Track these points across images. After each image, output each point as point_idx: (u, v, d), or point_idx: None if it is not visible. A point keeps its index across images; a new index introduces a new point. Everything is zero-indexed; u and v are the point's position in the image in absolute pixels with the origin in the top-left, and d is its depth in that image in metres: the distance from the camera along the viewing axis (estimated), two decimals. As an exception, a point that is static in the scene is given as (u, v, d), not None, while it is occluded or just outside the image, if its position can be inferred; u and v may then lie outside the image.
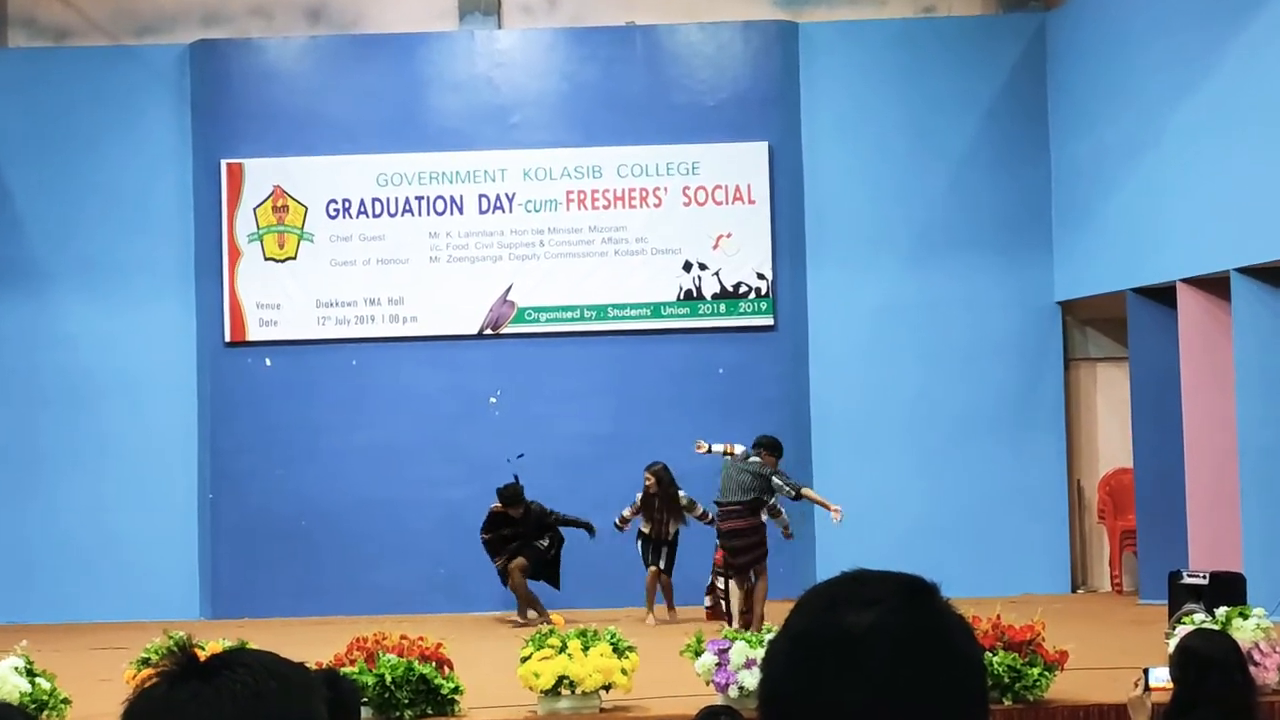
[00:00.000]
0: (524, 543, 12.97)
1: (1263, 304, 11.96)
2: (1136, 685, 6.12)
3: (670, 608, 12.86)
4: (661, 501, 12.83)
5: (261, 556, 14.37)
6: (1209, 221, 12.33)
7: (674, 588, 12.93)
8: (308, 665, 1.79)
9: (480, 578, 14.34)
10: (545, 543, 13.05)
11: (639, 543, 13.01)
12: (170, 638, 8.77)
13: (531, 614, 12.86)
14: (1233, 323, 12.18)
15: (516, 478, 13.05)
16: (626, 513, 12.97)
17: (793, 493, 11.60)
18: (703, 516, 12.82)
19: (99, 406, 14.70)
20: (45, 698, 7.86)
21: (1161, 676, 7.46)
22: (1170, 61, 12.80)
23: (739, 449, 11.78)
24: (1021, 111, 14.83)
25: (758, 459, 11.73)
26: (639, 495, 12.90)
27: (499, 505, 12.92)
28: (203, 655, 1.75)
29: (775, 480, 11.58)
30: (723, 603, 11.95)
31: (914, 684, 1.54)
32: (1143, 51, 13.24)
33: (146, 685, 1.72)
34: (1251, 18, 11.75)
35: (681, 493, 12.87)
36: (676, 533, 12.96)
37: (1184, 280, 12.77)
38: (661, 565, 12.91)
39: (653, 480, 12.83)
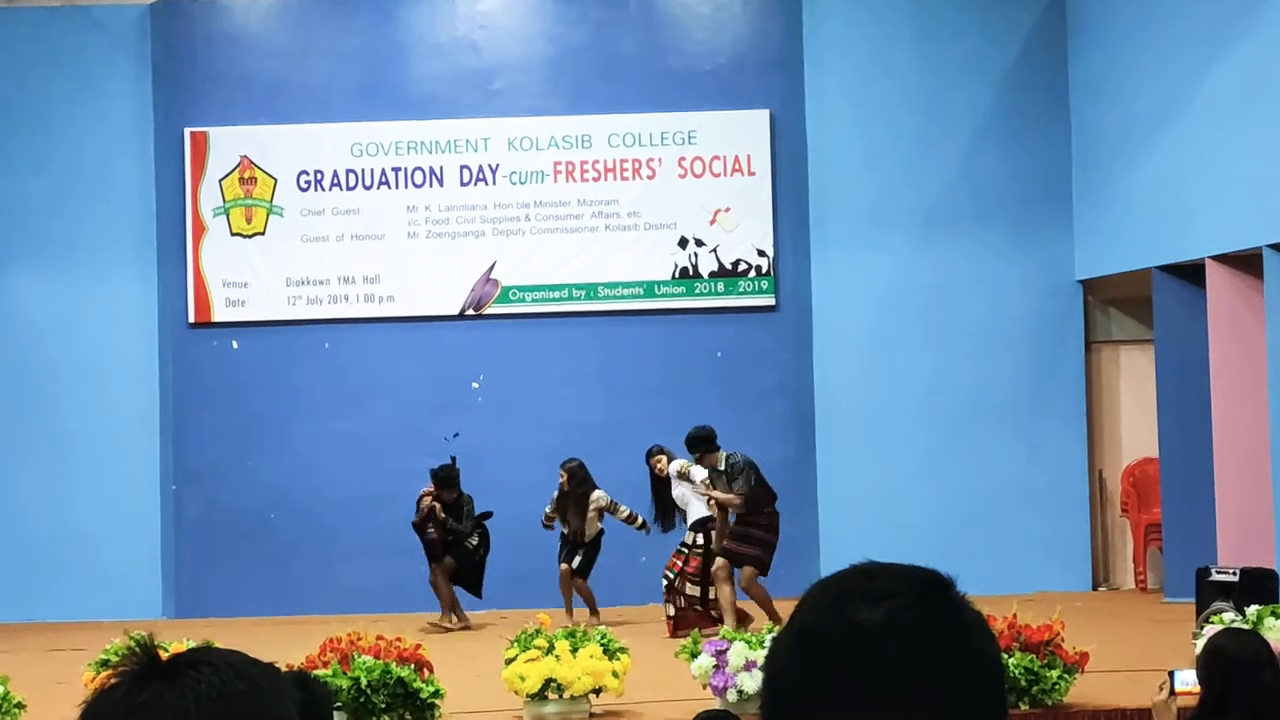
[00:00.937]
0: (455, 543, 12.89)
1: (1297, 283, 11.97)
2: (1161, 689, 6.14)
3: (592, 612, 12.57)
4: (570, 501, 12.67)
5: (228, 552, 14.36)
6: (1240, 195, 12.33)
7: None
8: (277, 665, 1.78)
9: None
10: (474, 542, 12.95)
11: (561, 541, 12.88)
12: (131, 638, 8.77)
13: (453, 618, 12.80)
14: (1265, 302, 12.19)
15: (454, 459, 12.95)
16: (548, 509, 12.83)
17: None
18: (630, 519, 12.69)
19: (54, 392, 14.68)
20: (-2, 702, 7.85)
21: (1188, 679, 7.47)
22: (1199, 26, 12.80)
23: (677, 467, 11.83)
24: (1039, 79, 14.81)
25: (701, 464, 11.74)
26: (555, 493, 12.79)
27: (430, 489, 12.84)
28: (165, 655, 1.74)
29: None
30: (678, 602, 11.82)
31: (928, 685, 1.53)
32: (1169, 15, 13.23)
33: (105, 686, 1.72)
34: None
35: (600, 493, 12.68)
36: (598, 534, 12.74)
37: (1213, 257, 12.78)
38: (574, 565, 12.68)
39: (565, 477, 12.68)
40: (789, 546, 14.53)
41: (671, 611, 11.82)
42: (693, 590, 11.78)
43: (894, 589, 1.59)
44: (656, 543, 12.62)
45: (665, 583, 11.94)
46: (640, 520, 12.64)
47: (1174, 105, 13.14)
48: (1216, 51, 12.57)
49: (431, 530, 12.78)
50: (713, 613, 11.72)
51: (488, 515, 13.04)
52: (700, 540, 11.84)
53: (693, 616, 11.66)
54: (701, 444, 11.75)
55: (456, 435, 13.83)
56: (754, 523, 11.66)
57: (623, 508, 12.69)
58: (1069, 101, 14.75)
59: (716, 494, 11.59)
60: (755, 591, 11.57)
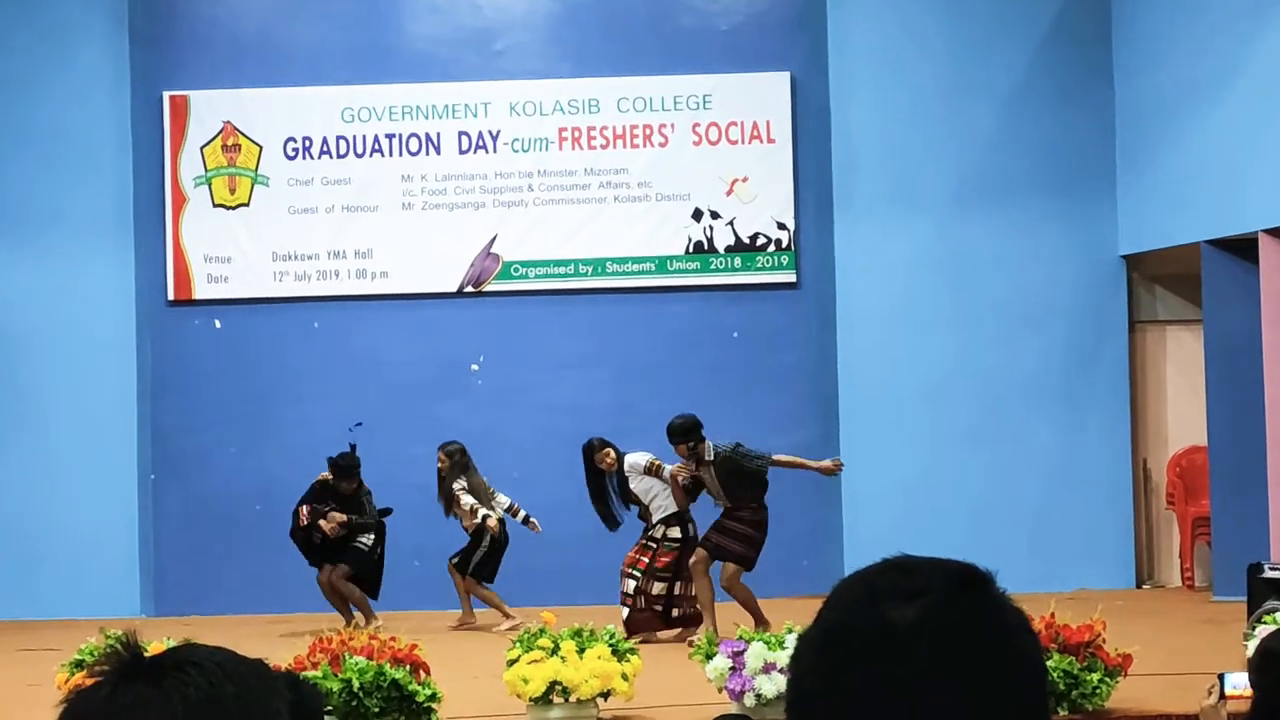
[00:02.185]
0: (344, 540, 12.68)
1: (1357, 259, 11.97)
2: (1210, 693, 6.14)
3: (468, 611, 12.59)
4: (443, 488, 12.65)
5: (211, 546, 14.39)
6: (1296, 164, 12.33)
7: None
8: (266, 663, 1.79)
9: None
10: (370, 541, 12.79)
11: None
12: (108, 637, 8.82)
13: (358, 616, 12.52)
14: (1322, 280, 12.19)
15: (354, 447, 12.82)
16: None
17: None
18: (512, 512, 12.63)
19: (23, 376, 14.70)
20: (-35, 705, 7.88)
21: (1239, 683, 7.47)
22: (1253, -19, 12.78)
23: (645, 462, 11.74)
24: (1080, 41, 14.77)
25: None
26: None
27: (327, 476, 12.71)
28: (149, 654, 1.74)
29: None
30: (637, 603, 11.54)
31: (965, 687, 1.53)
32: (1221, -31, 13.22)
33: (86, 687, 1.73)
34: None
35: (471, 483, 12.60)
36: (479, 527, 12.55)
37: (1267, 231, 12.76)
38: (455, 560, 12.66)
39: (442, 461, 12.64)
40: (810, 538, 14.58)
41: (625, 614, 11.34)
42: (659, 588, 11.55)
43: (927, 585, 1.58)
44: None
45: (632, 581, 11.59)
46: (524, 514, 12.66)
47: (1226, 70, 13.12)
48: (1272, 13, 12.54)
49: (323, 531, 12.54)
50: (674, 612, 11.57)
51: (387, 512, 12.90)
52: (676, 534, 11.63)
53: (646, 618, 11.58)
54: (686, 434, 11.51)
55: (359, 424, 13.76)
56: (739, 516, 11.54)
57: (501, 497, 12.68)
58: (1112, 65, 14.72)
59: (678, 472, 11.54)
60: (738, 591, 11.43)
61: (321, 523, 12.43)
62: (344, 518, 12.49)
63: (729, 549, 11.43)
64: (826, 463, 11.83)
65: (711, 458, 11.50)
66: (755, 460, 11.52)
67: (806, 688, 1.59)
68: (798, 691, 1.61)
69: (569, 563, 13.54)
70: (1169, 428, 15.10)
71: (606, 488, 11.83)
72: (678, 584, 11.51)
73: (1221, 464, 13.52)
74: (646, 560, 11.53)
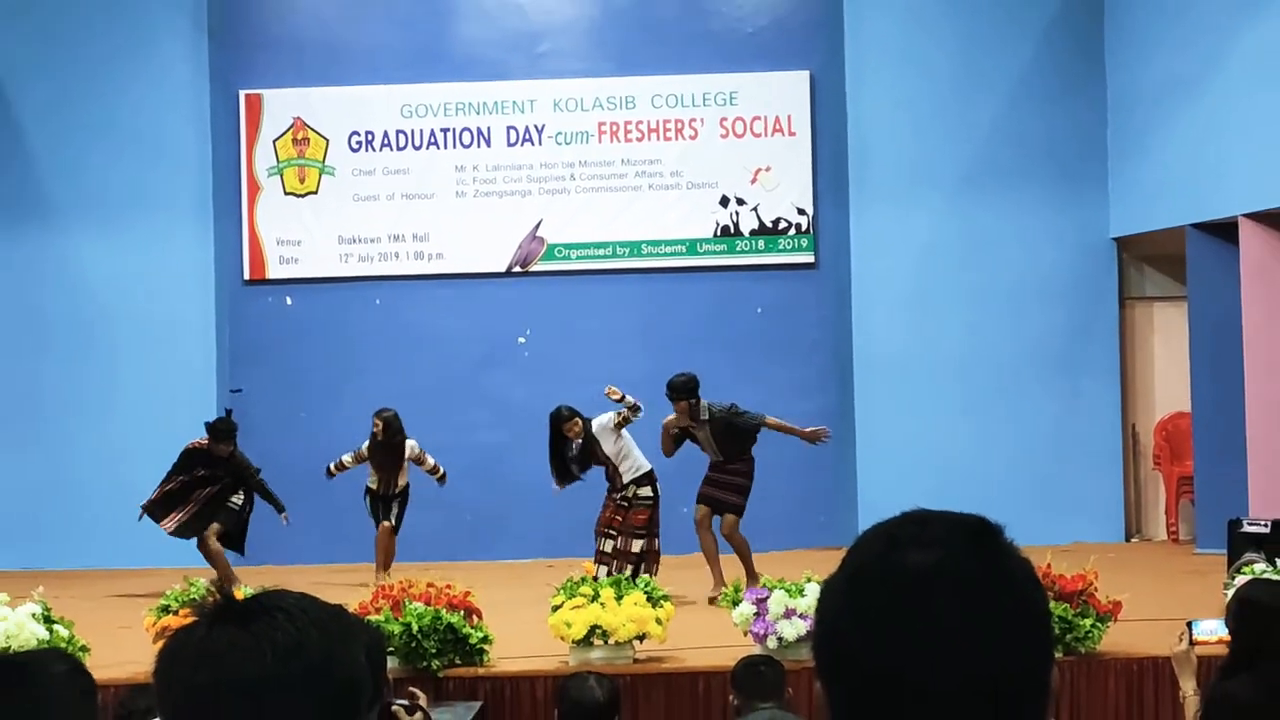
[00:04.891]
0: (215, 502, 12.17)
1: (1330, 240, 11.90)
2: (1181, 639, 6.10)
3: (383, 568, 12.27)
4: (387, 452, 12.29)
5: (285, 502, 14.48)
6: (1274, 153, 12.23)
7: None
8: (346, 608, 1.79)
9: (509, 524, 14.43)
10: (239, 499, 12.31)
11: (366, 499, 12.53)
12: (191, 584, 8.89)
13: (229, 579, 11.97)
14: (1298, 260, 12.12)
15: (230, 412, 12.49)
16: (347, 459, 12.47)
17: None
18: (433, 471, 12.45)
19: (114, 348, 14.76)
20: (63, 645, 7.95)
21: (1207, 629, 7.48)
22: (1235, -16, 12.69)
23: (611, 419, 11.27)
24: (1077, 37, 14.69)
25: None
26: (365, 443, 12.41)
27: (201, 441, 12.19)
28: (240, 597, 1.76)
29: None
30: (614, 565, 10.89)
31: (979, 628, 1.53)
32: (1205, -26, 13.12)
33: (184, 627, 1.74)
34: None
35: (411, 442, 12.38)
36: (406, 487, 12.44)
37: (1247, 215, 12.69)
38: (393, 521, 12.38)
39: (379, 426, 12.26)
40: (827, 497, 14.59)
41: (605, 573, 10.29)
42: (638, 545, 11.02)
43: (945, 536, 1.59)
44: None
45: (610, 541, 11.10)
46: (442, 472, 12.45)
47: (1209, 64, 13.04)
48: (1249, 12, 12.46)
49: (202, 495, 12.11)
50: (653, 567, 10.96)
51: (257, 471, 12.51)
52: (647, 492, 11.15)
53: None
54: (688, 392, 11.24)
55: (239, 390, 13.67)
56: (731, 469, 11.26)
57: (429, 458, 12.44)
58: (1105, 61, 14.64)
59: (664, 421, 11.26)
60: (736, 540, 11.20)
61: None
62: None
63: (726, 500, 11.22)
64: (811, 430, 11.37)
65: (706, 417, 11.25)
66: (749, 420, 11.26)
67: (832, 628, 1.60)
68: (823, 631, 1.61)
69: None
70: (1156, 395, 15.05)
71: (565, 453, 11.35)
72: (649, 538, 11.06)
73: (1204, 428, 13.47)
74: (621, 519, 11.09)
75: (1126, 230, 14.50)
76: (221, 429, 12.13)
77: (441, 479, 12.58)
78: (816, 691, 1.60)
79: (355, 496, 13.79)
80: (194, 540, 12.23)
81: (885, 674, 1.53)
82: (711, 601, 10.64)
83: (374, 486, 12.49)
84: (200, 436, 12.28)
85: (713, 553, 11.22)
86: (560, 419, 11.34)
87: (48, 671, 2.27)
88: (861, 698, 1.56)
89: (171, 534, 12.23)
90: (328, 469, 12.63)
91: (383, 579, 11.11)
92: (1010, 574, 1.59)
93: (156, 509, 12.17)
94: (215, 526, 12.09)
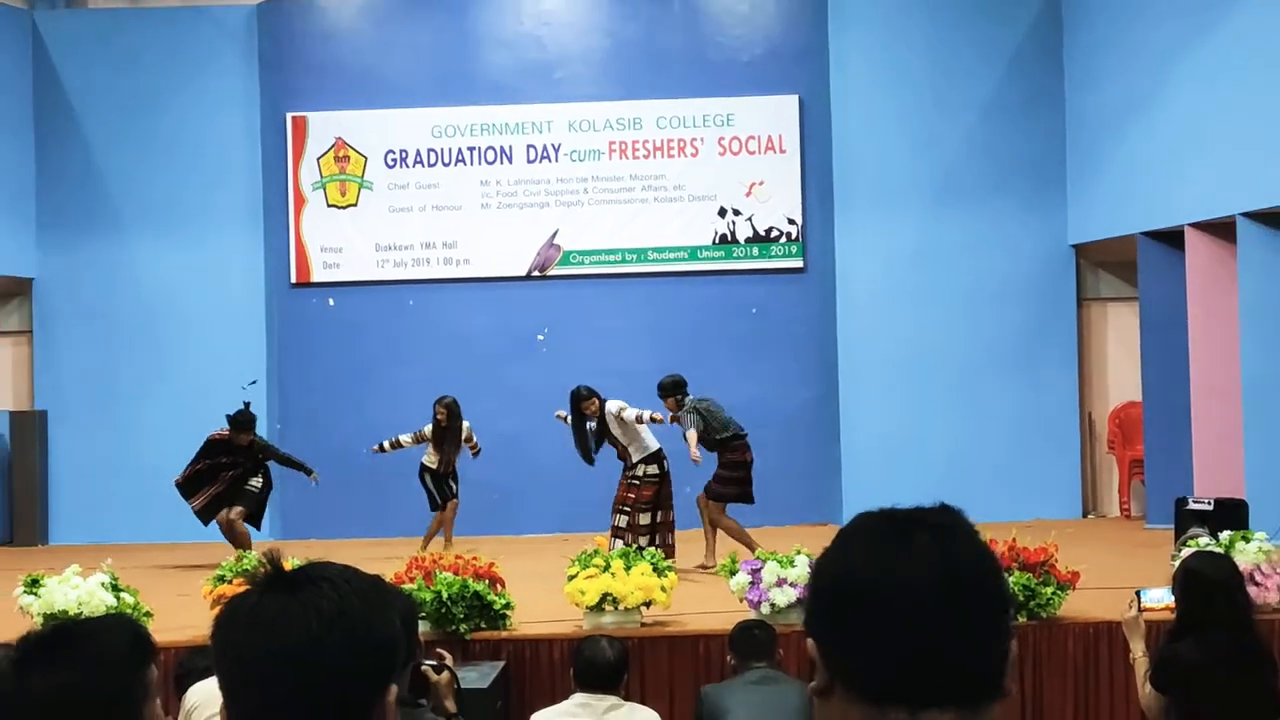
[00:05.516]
0: (236, 485, 12.14)
1: (1267, 247, 11.86)
2: (1131, 606, 6.08)
3: (449, 540, 12.36)
4: (450, 434, 12.40)
5: (326, 481, 14.45)
6: (1216, 168, 12.21)
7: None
8: (384, 579, 1.79)
9: (529, 503, 14.43)
10: (259, 482, 12.29)
11: (426, 478, 12.53)
12: (244, 556, 8.89)
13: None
14: (1238, 265, 12.09)
15: (247, 405, 12.36)
16: (406, 439, 12.45)
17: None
18: (474, 447, 12.46)
19: (175, 344, 14.81)
20: (129, 611, 7.95)
21: (1155, 597, 7.46)
22: (1180, 13, 12.65)
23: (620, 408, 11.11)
24: (1038, 64, 14.67)
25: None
26: (428, 426, 12.43)
27: (223, 432, 12.16)
28: (289, 568, 1.76)
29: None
30: (627, 539, 10.67)
31: (954, 616, 1.50)
32: (1154, 6, 13.09)
33: (238, 594, 1.75)
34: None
35: (466, 424, 12.48)
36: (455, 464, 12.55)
37: (1192, 224, 12.67)
38: (457, 498, 12.46)
39: (445, 414, 12.35)
40: (814, 477, 14.57)
41: (619, 545, 9.95)
42: (645, 519, 10.98)
43: (923, 513, 1.57)
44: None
45: (624, 516, 11.00)
46: (480, 449, 12.54)
47: (1157, 89, 13.02)
48: (1192, 42, 12.43)
49: (227, 477, 12.09)
50: (657, 538, 10.90)
51: (299, 466, 12.46)
52: (654, 470, 11.07)
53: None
54: (674, 390, 11.28)
55: (253, 383, 13.65)
56: (720, 463, 11.17)
57: (474, 436, 12.54)
58: (1064, 85, 14.61)
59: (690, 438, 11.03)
60: (723, 523, 11.12)
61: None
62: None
63: (708, 487, 11.15)
64: (694, 453, 10.89)
65: (676, 414, 11.17)
66: (685, 423, 11.05)
67: (830, 586, 1.56)
68: (817, 587, 1.57)
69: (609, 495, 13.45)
70: (1110, 386, 15.03)
71: (585, 429, 11.36)
72: (659, 513, 11.03)
73: (1153, 416, 13.46)
74: (633, 496, 11.07)
75: (1083, 238, 14.47)
76: (241, 420, 12.11)
77: (477, 452, 12.63)
78: (809, 646, 1.57)
79: (394, 477, 13.82)
80: (213, 523, 12.23)
81: (871, 642, 1.51)
82: (701, 569, 10.81)
83: (433, 466, 12.51)
84: (221, 428, 12.25)
85: (738, 532, 11.17)
86: (579, 398, 11.39)
87: (110, 635, 2.28)
88: (848, 655, 1.53)
89: (197, 512, 12.23)
90: (381, 445, 12.56)
91: (452, 549, 11.21)
92: (980, 542, 1.56)
93: (186, 488, 12.19)
94: (239, 509, 12.09)
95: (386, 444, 12.55)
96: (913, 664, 1.49)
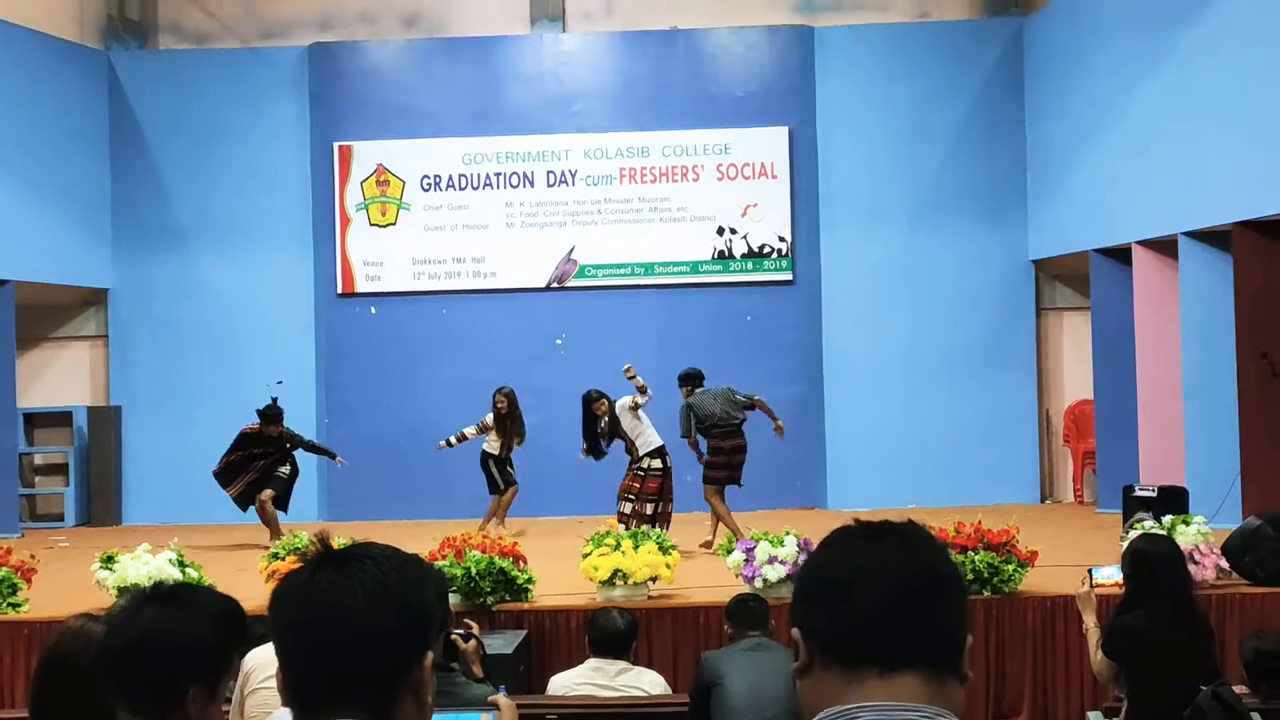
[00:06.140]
0: (267, 472, 12.04)
1: (1205, 263, 11.85)
2: (1083, 583, 6.09)
3: (503, 521, 12.22)
4: (512, 421, 12.20)
5: (368, 470, 14.49)
6: (1160, 192, 12.21)
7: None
8: (421, 557, 1.80)
9: (548, 488, 14.42)
10: (287, 469, 12.12)
11: (490, 464, 12.27)
12: (296, 536, 8.90)
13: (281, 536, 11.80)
14: (1179, 278, 12.08)
15: (275, 400, 12.31)
16: (470, 431, 12.24)
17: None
18: (520, 436, 12.28)
19: (235, 347, 14.84)
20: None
21: (1106, 575, 7.46)
22: (1127, 58, 12.65)
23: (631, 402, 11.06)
24: (1001, 100, 14.67)
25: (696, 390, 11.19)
26: (489, 416, 12.22)
27: (255, 425, 12.09)
28: (337, 547, 1.76)
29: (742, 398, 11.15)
30: (631, 524, 10.57)
31: (920, 605, 1.54)
32: (1104, 49, 13.08)
33: (293, 570, 1.75)
34: (1197, 19, 11.58)
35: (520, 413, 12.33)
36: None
37: (1138, 242, 12.66)
38: (517, 482, 12.28)
39: (505, 402, 12.15)
40: (802, 466, 14.56)
41: (623, 530, 9.83)
42: (649, 508, 10.89)
43: (892, 523, 1.61)
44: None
45: (629, 504, 10.92)
46: (524, 436, 12.33)
47: (1106, 121, 13.01)
48: (1141, 77, 12.43)
49: (259, 466, 12.02)
50: (658, 525, 10.72)
51: (325, 452, 12.50)
52: (658, 464, 10.98)
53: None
54: (682, 380, 11.34)
55: (280, 382, 13.61)
56: (708, 449, 11.06)
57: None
58: (1025, 117, 14.61)
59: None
60: (714, 505, 11.06)
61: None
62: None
63: (705, 475, 11.07)
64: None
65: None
66: (681, 418, 11.14)
67: (813, 574, 1.60)
68: (816, 572, 1.60)
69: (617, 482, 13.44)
70: (1065, 386, 15.01)
71: (596, 429, 11.29)
72: (661, 503, 10.97)
73: (1104, 412, 13.45)
74: (638, 486, 10.97)
75: (1042, 254, 14.46)
76: (270, 414, 12.07)
77: (521, 440, 12.47)
78: (794, 635, 1.59)
79: (421, 467, 13.82)
80: (250, 508, 12.17)
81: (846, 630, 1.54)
82: (704, 546, 10.87)
83: (495, 452, 12.25)
84: (253, 421, 12.22)
85: (727, 516, 11.10)
86: (590, 399, 11.35)
87: (217, 602, 2.32)
88: (827, 645, 1.56)
89: (235, 498, 12.17)
90: (447, 440, 12.29)
91: (495, 530, 11.05)
92: (938, 561, 1.58)
93: (223, 477, 12.13)
94: (269, 492, 12.01)
95: (453, 439, 12.31)
96: (881, 631, 1.51)
